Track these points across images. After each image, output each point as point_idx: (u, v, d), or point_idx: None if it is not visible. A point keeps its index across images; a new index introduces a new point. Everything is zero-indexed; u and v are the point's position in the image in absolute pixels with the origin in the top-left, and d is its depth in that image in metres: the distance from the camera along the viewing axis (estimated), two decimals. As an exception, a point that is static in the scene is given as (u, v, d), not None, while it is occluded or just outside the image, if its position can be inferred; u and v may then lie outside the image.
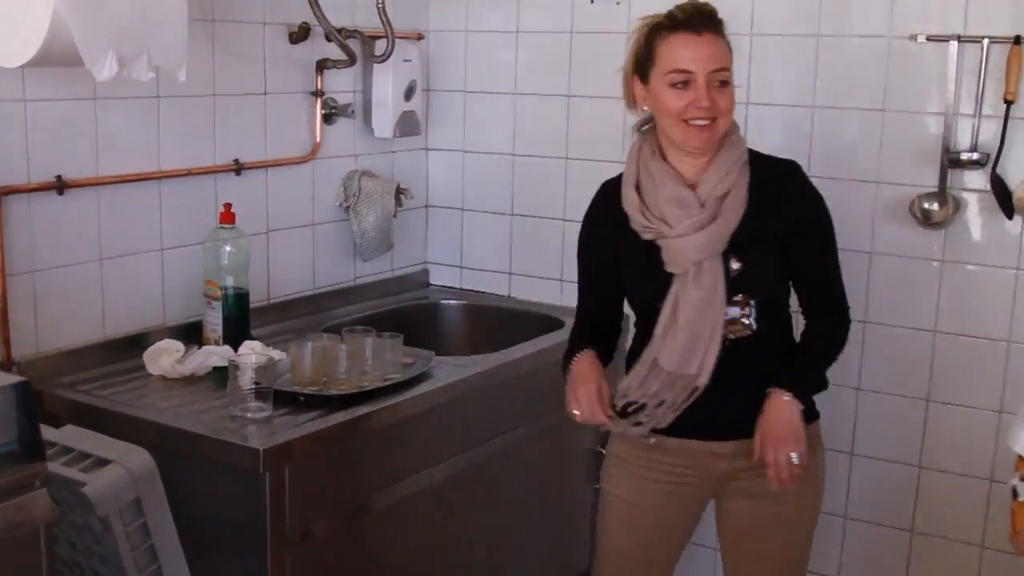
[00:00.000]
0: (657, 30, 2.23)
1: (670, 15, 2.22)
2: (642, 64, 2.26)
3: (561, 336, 3.07)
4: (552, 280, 3.40)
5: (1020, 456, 1.63)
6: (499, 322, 3.41)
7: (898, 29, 2.80)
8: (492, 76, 3.39)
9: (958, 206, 2.80)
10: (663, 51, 2.21)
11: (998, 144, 2.72)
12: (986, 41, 2.69)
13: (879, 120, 2.87)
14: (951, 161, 2.77)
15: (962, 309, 2.86)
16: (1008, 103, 2.69)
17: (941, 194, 2.80)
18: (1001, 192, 2.74)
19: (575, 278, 3.28)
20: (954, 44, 2.72)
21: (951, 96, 2.75)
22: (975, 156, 2.74)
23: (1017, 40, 2.65)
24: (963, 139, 2.77)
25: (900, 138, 2.86)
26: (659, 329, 2.27)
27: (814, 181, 2.92)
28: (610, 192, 2.38)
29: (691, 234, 2.22)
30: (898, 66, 2.83)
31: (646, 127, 2.35)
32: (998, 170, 2.73)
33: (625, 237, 2.31)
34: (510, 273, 3.48)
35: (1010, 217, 2.74)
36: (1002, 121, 2.71)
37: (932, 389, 2.92)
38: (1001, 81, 2.69)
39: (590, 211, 2.46)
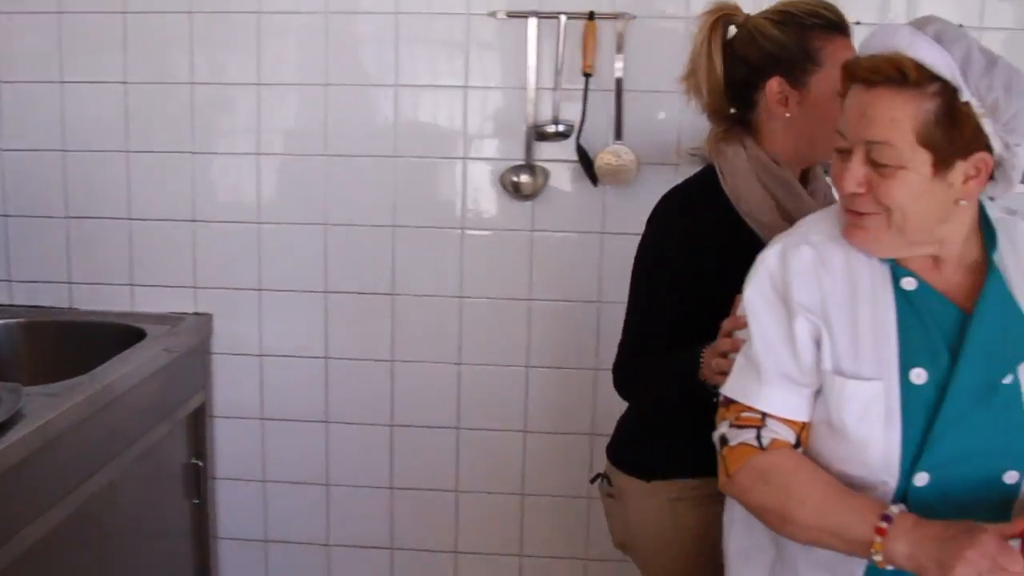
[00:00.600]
0: (811, 29, 1.97)
1: (822, 15, 1.98)
2: (794, 65, 1.98)
3: (150, 349, 2.81)
4: (121, 286, 3.09)
5: (726, 402, 1.72)
6: (65, 339, 3.04)
7: (477, 6, 2.83)
8: (30, 63, 2.98)
9: (547, 177, 2.89)
10: (832, 56, 1.95)
11: (580, 116, 2.84)
12: (563, 17, 2.78)
13: (461, 96, 2.89)
14: (537, 134, 2.85)
15: (555, 276, 2.97)
16: (587, 76, 2.81)
17: (529, 166, 2.88)
18: (585, 161, 2.86)
19: (148, 282, 3.07)
20: (533, 20, 2.79)
21: (532, 70, 2.82)
22: (559, 128, 2.85)
23: (591, 15, 2.77)
24: (546, 112, 2.86)
25: (485, 113, 2.89)
26: None
27: (399, 162, 2.89)
28: (703, 203, 2.06)
29: None
30: (479, 42, 2.85)
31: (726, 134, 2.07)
32: (581, 140, 2.86)
33: (736, 252, 1.94)
34: (70, 283, 3.11)
35: (595, 184, 2.88)
36: (582, 93, 2.83)
37: (530, 355, 3.02)
38: (579, 55, 2.81)
39: (685, 223, 2.05)
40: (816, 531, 1.59)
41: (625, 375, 2.17)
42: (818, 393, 1.66)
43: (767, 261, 1.69)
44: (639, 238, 2.88)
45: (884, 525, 1.52)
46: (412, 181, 2.94)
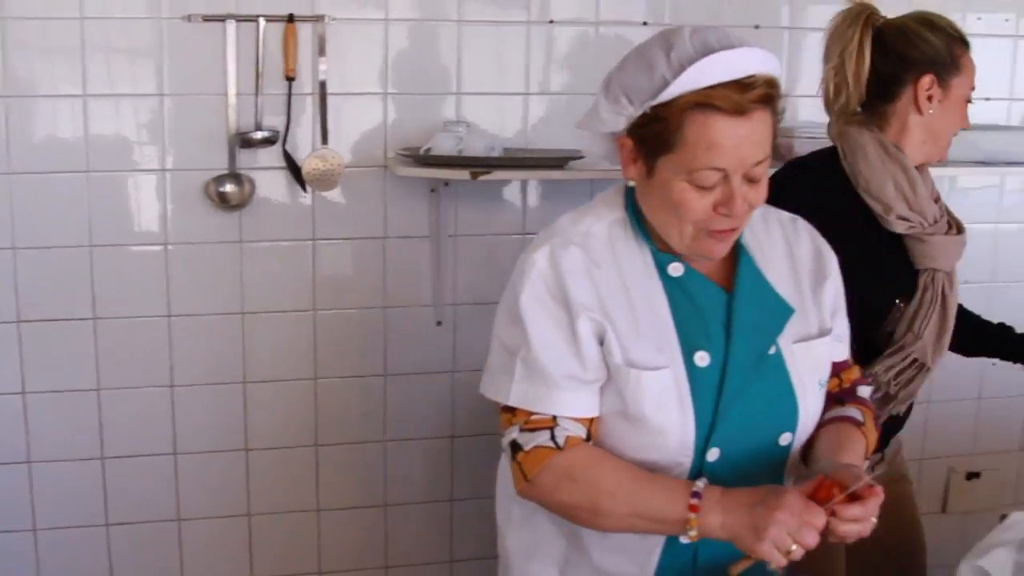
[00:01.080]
0: (954, 39, 2.19)
1: (956, 30, 2.20)
2: (944, 67, 2.19)
3: None
4: None
5: (509, 409, 1.69)
6: None
7: (170, 9, 2.69)
8: None
9: (254, 185, 2.80)
10: (967, 67, 2.20)
11: (285, 121, 2.77)
12: (262, 20, 2.70)
13: (158, 104, 2.74)
14: (242, 141, 2.76)
15: (268, 287, 2.89)
16: (289, 80, 2.75)
17: (234, 175, 2.78)
18: (293, 167, 2.80)
19: None
20: (231, 23, 2.69)
21: (232, 76, 2.72)
22: (264, 134, 2.76)
23: (291, 18, 2.71)
24: (249, 118, 2.76)
25: (184, 122, 2.76)
26: (927, 327, 2.21)
27: (93, 177, 2.77)
28: (821, 177, 2.24)
29: (956, 232, 2.25)
30: (174, 47, 2.71)
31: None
32: (287, 146, 2.79)
33: (858, 229, 2.19)
34: None
35: (304, 190, 2.83)
36: (286, 98, 2.76)
37: (247, 370, 2.92)
38: (280, 59, 2.74)
39: (800, 192, 2.15)
40: (629, 518, 1.62)
41: None
42: (604, 387, 1.67)
43: (537, 265, 1.67)
44: (350, 243, 2.89)
45: (695, 502, 1.57)
46: (108, 196, 2.76)
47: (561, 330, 1.65)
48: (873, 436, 1.84)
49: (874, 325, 2.23)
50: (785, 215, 1.86)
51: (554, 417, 1.66)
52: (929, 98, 2.19)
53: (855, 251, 2.08)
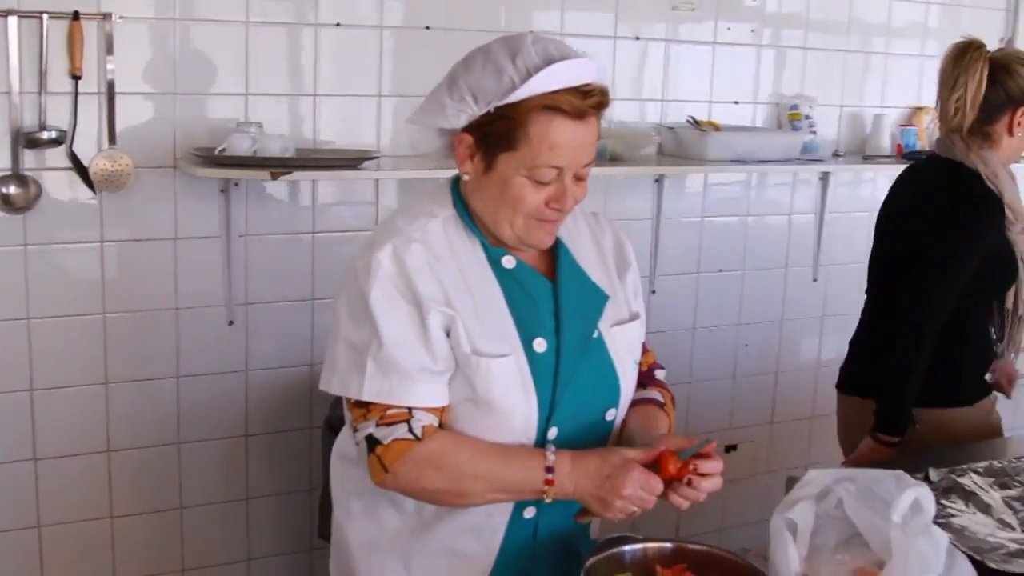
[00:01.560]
0: None
1: None
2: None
3: None
4: None
5: (362, 404, 1.72)
6: None
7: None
8: None
9: (40, 187, 2.73)
10: None
11: (71, 121, 2.72)
12: (45, 16, 2.63)
13: (-70, 104, 2.64)
14: (28, 141, 2.68)
15: (57, 291, 2.82)
16: (75, 79, 2.70)
17: (18, 176, 2.70)
18: (80, 168, 2.75)
19: None
20: (13, 19, 2.61)
21: (15, 73, 2.64)
22: (51, 135, 2.70)
23: (76, 15, 2.66)
24: (33, 118, 2.69)
25: (-38, 120, 2.66)
26: None
27: None
28: (991, 198, 2.56)
29: None
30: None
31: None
32: (73, 146, 2.73)
33: (1001, 229, 2.57)
34: None
35: (93, 191, 2.78)
36: (72, 98, 2.71)
37: (34, 377, 2.84)
38: (66, 57, 2.68)
39: (987, 208, 2.56)
40: (491, 494, 1.73)
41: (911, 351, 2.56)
42: (452, 376, 1.74)
43: (383, 263, 1.71)
44: (139, 244, 2.85)
45: (550, 476, 1.69)
46: None
47: (413, 325, 1.71)
48: (672, 414, 2.01)
49: (993, 296, 2.73)
50: (588, 210, 1.99)
51: (410, 409, 1.72)
52: (1019, 124, 2.62)
53: (998, 246, 2.60)
